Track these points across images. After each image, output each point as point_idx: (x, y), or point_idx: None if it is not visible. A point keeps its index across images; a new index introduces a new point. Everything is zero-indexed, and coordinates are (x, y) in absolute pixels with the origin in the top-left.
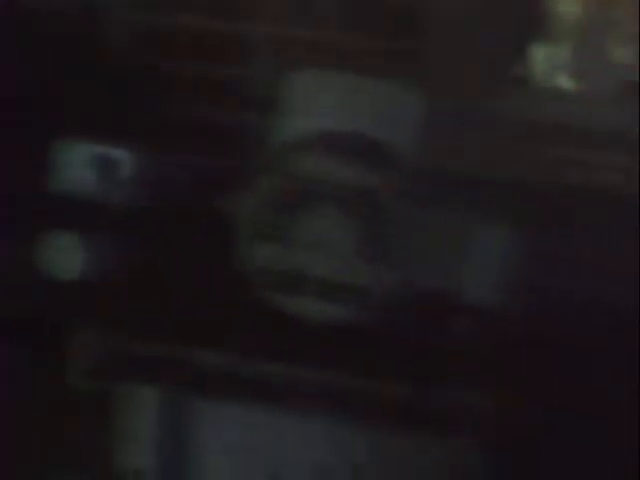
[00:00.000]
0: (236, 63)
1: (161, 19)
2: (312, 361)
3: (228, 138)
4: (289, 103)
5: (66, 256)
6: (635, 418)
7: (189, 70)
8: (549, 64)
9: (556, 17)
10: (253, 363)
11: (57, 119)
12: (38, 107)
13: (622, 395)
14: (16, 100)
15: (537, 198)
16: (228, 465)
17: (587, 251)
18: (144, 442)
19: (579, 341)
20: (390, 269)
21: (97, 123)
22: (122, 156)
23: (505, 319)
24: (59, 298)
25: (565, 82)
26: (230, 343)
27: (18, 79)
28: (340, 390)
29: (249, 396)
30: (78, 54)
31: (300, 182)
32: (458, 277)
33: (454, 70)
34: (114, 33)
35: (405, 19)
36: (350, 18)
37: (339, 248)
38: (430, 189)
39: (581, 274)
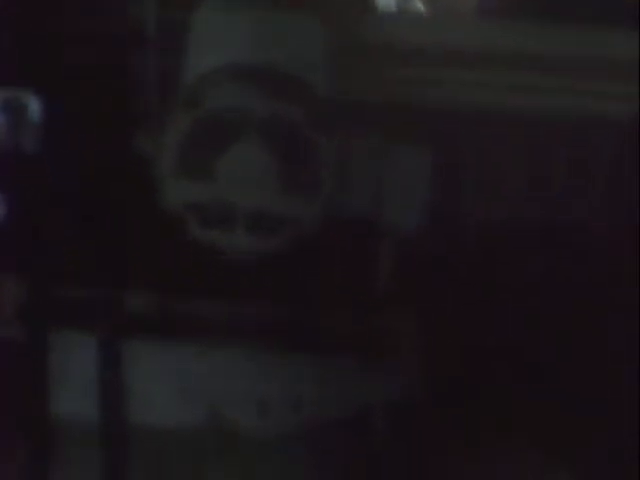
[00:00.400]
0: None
1: None
2: (245, 295)
3: (138, 78)
4: (196, 40)
5: None
6: None
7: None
8: None
9: None
10: (187, 301)
11: None
12: None
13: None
14: None
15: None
16: (167, 396)
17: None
18: (79, 385)
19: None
20: (315, 199)
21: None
22: (30, 100)
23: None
24: None
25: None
26: (161, 282)
27: None
28: (276, 322)
29: (185, 334)
30: None
31: (219, 115)
32: (380, 203)
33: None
34: None
35: None
36: None
37: (265, 181)
38: (345, 118)
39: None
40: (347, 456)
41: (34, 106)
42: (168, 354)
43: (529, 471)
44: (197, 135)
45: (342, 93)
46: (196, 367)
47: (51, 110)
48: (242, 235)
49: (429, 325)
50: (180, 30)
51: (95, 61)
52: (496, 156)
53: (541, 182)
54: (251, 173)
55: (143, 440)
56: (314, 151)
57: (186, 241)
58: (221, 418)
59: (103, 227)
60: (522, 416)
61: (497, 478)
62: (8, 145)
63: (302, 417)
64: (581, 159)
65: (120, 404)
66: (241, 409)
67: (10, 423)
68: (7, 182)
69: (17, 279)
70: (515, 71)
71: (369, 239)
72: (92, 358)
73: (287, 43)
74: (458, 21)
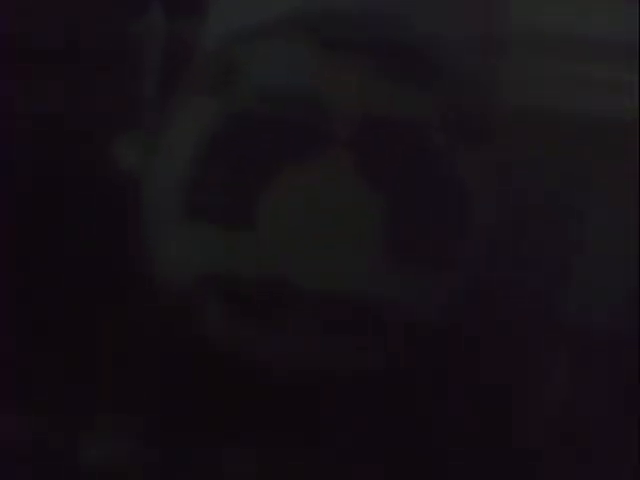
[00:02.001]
0: None
1: None
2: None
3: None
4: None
5: None
6: None
7: None
8: None
9: None
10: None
11: None
12: None
13: None
14: None
15: None
16: None
17: None
18: None
19: None
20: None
21: None
22: None
23: None
24: None
25: None
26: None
27: None
28: None
29: None
30: None
31: (267, 109)
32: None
33: None
34: None
35: None
36: None
37: (359, 240)
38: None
39: None
40: None
41: None
42: None
43: None
44: (224, 145)
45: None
46: None
47: None
48: (304, 338)
49: None
50: None
51: None
52: None
53: None
54: (331, 224)
55: None
56: (452, 184)
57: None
58: None
59: None
60: None
61: None
62: None
63: None
64: None
65: None
66: None
67: None
68: None
69: None
70: None
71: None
72: None
73: None
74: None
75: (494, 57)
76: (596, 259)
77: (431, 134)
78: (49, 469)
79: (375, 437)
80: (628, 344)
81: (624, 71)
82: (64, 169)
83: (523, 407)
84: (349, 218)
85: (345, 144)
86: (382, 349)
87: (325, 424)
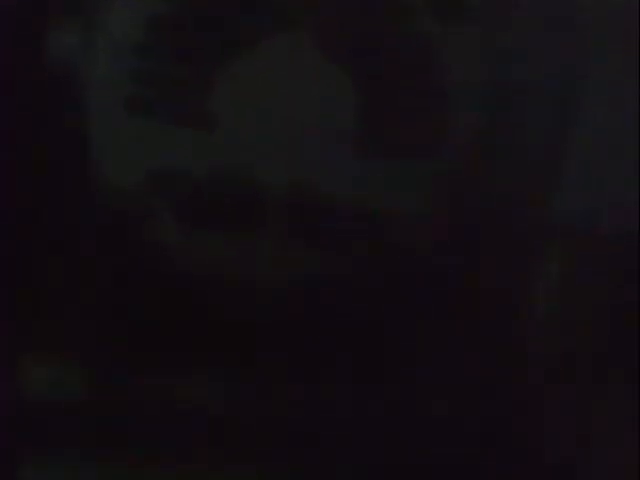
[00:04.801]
0: None
1: None
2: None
3: None
4: None
5: None
6: None
7: None
8: None
9: None
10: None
11: None
12: None
13: None
14: None
15: None
16: None
17: None
18: None
19: None
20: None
21: None
22: None
23: None
24: None
25: None
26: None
27: None
28: None
29: None
30: None
31: None
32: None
33: None
34: None
35: None
36: None
37: (327, 130)
38: None
39: None
40: None
41: None
42: None
43: None
44: (169, 30)
45: None
46: None
47: None
48: (268, 245)
49: None
50: None
51: None
52: None
53: None
54: (293, 115)
55: None
56: (432, 62)
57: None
58: None
59: None
60: None
61: None
62: None
63: None
64: None
65: None
66: None
67: None
68: None
69: None
70: None
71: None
72: None
73: None
74: None
75: None
76: (593, 154)
77: (414, 17)
78: None
79: (342, 347)
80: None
81: None
82: None
83: (511, 311)
84: (314, 108)
85: (309, 25)
86: (350, 253)
87: (289, 336)
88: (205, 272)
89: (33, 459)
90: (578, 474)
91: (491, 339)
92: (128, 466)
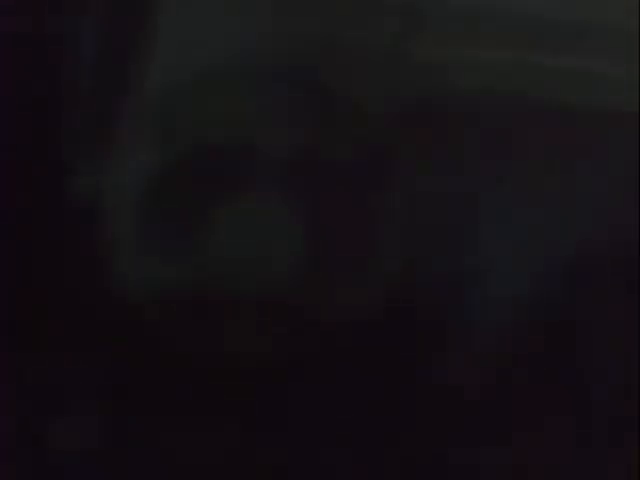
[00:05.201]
0: None
1: None
2: None
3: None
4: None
5: None
6: None
7: None
8: None
9: None
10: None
11: None
12: None
13: None
14: None
15: None
16: None
17: None
18: None
19: None
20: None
21: None
22: None
23: None
24: None
25: None
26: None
27: None
28: None
29: None
30: None
31: (211, 154)
32: None
33: None
34: None
35: None
36: None
37: (291, 258)
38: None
39: None
40: None
41: None
42: None
43: None
44: (172, 185)
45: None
46: None
47: None
48: (251, 343)
49: None
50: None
51: None
52: None
53: None
54: (269, 244)
55: None
56: (373, 207)
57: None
58: None
59: None
60: None
61: None
62: None
63: None
64: None
65: None
66: None
67: None
68: None
69: None
70: None
71: None
72: None
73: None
74: None
75: None
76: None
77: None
78: None
79: None
80: None
81: None
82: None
83: None
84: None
85: (276, 183)
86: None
87: None
88: None
89: None
90: None
91: None
92: None
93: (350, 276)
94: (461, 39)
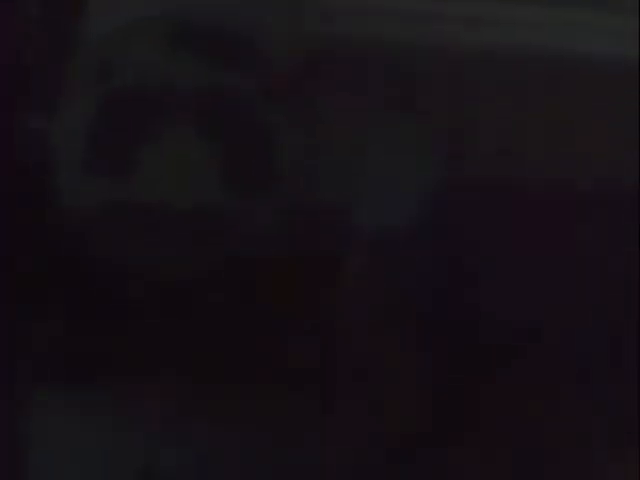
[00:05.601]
0: None
1: None
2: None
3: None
4: None
5: None
6: None
7: None
8: None
9: None
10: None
11: None
12: None
13: None
14: None
15: None
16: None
17: None
18: None
19: None
20: (270, 198)
21: None
22: None
23: None
24: None
25: None
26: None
27: None
28: None
29: None
30: None
31: (139, 92)
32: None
33: None
34: None
35: None
36: None
37: (204, 177)
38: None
39: None
40: None
41: None
42: None
43: None
44: (110, 119)
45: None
46: None
47: None
48: (175, 245)
49: None
50: None
51: None
52: None
53: None
54: (186, 167)
55: None
56: (269, 136)
57: (94, 256)
58: None
59: None
60: None
61: None
62: None
63: None
64: None
65: None
66: None
67: None
68: None
69: None
70: None
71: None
72: None
73: None
74: None
75: None
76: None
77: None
78: None
79: None
80: None
81: None
82: None
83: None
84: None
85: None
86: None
87: None
88: None
89: None
90: None
91: None
92: None
93: (256, 194)
94: None
